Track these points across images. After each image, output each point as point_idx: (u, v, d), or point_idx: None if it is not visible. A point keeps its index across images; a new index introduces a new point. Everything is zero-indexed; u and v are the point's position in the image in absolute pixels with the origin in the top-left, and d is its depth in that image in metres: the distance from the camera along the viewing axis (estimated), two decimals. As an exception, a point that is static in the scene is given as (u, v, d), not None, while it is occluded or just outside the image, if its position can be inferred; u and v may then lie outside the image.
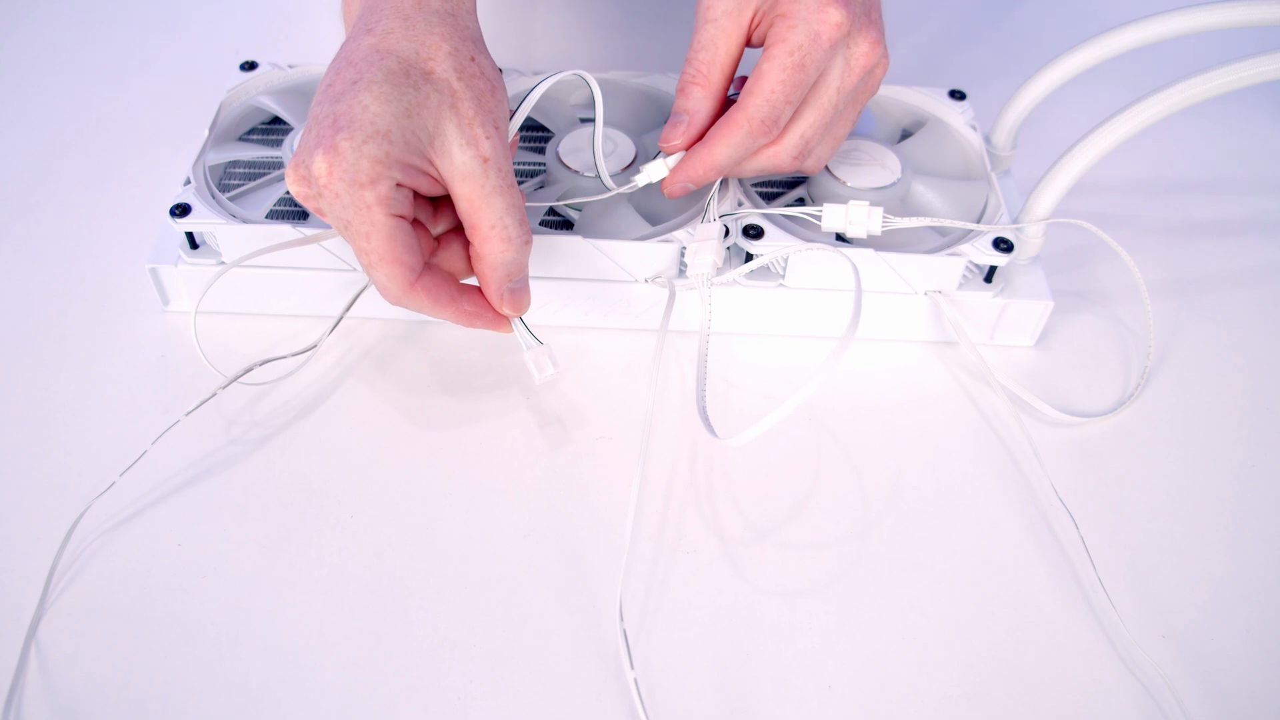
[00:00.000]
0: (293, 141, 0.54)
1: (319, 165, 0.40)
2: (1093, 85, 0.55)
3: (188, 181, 0.53)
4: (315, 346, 0.52)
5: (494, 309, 0.46)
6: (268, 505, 0.48)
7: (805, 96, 0.47)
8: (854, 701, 0.42)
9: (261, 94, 0.58)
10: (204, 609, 0.44)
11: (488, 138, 0.42)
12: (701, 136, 0.48)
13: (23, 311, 0.55)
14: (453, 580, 0.45)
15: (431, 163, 0.42)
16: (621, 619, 0.43)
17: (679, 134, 0.48)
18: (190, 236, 0.53)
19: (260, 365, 0.50)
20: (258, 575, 0.45)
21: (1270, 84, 0.47)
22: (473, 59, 0.43)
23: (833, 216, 0.51)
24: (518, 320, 0.47)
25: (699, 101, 0.48)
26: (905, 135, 0.60)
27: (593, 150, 0.51)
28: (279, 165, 0.56)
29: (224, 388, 0.48)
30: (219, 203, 0.53)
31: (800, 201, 0.57)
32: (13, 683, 0.42)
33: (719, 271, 0.51)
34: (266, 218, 0.52)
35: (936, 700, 0.43)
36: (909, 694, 0.43)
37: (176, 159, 0.59)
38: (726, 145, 0.47)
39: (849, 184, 0.54)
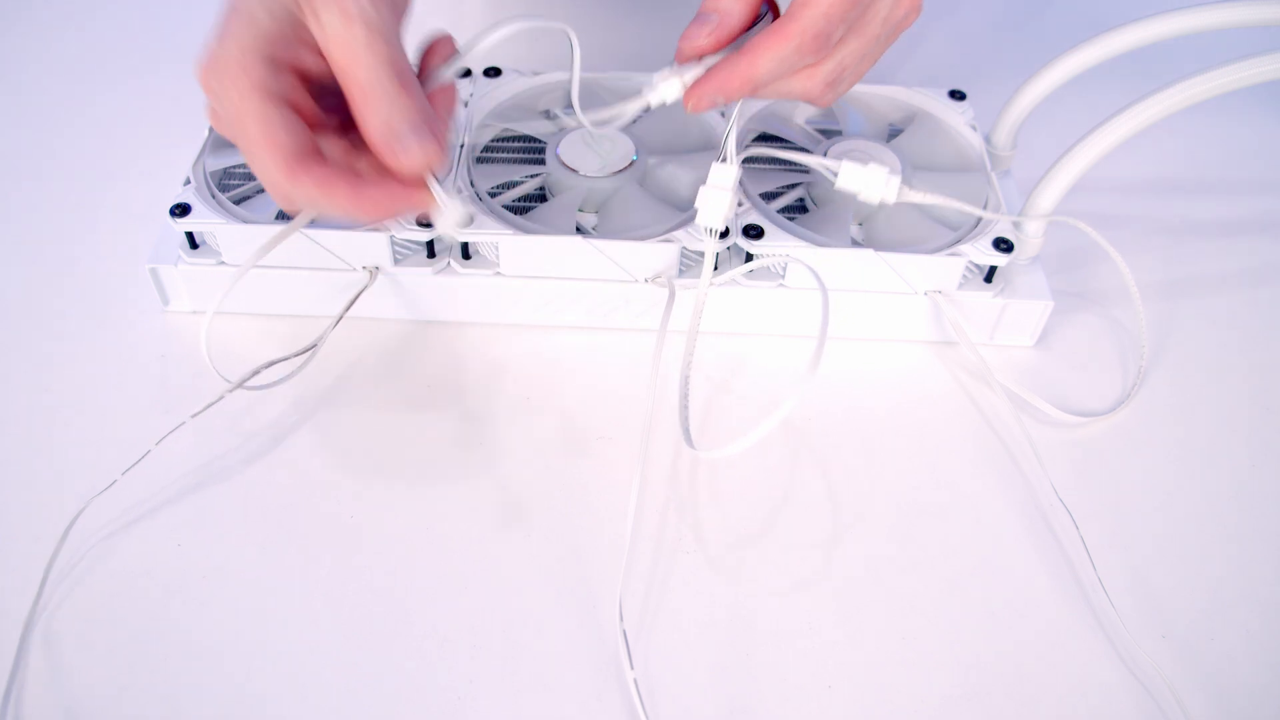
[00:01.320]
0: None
1: (200, 69, 0.39)
2: (1093, 85, 0.55)
3: (188, 181, 0.53)
4: (315, 346, 0.52)
5: (398, 182, 0.41)
6: (268, 505, 0.48)
7: (853, 21, 0.43)
8: (854, 701, 0.42)
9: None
10: (204, 609, 0.44)
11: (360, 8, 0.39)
12: (730, 41, 0.44)
13: (22, 311, 0.55)
14: (453, 580, 0.45)
15: (308, 30, 0.40)
16: (621, 619, 0.43)
17: (705, 34, 0.43)
18: (190, 236, 0.53)
19: (266, 367, 0.50)
20: (258, 576, 0.45)
21: (1270, 84, 0.47)
22: None
23: (850, 175, 0.48)
24: (431, 180, 0.42)
25: (735, 5, 0.43)
26: (893, 133, 0.60)
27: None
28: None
29: (231, 391, 0.48)
30: (219, 203, 0.53)
31: (800, 201, 0.57)
32: (9, 682, 0.42)
33: (724, 232, 0.49)
34: (276, 218, 0.52)
35: (936, 700, 0.43)
36: (909, 694, 0.43)
37: (176, 159, 0.59)
38: (771, 58, 0.43)
39: (849, 184, 0.54)
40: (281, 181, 0.39)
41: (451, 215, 0.43)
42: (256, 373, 0.49)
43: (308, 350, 0.52)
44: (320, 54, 0.40)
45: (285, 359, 0.51)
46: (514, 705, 0.42)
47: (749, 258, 0.52)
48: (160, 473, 0.48)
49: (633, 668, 0.42)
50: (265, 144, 0.39)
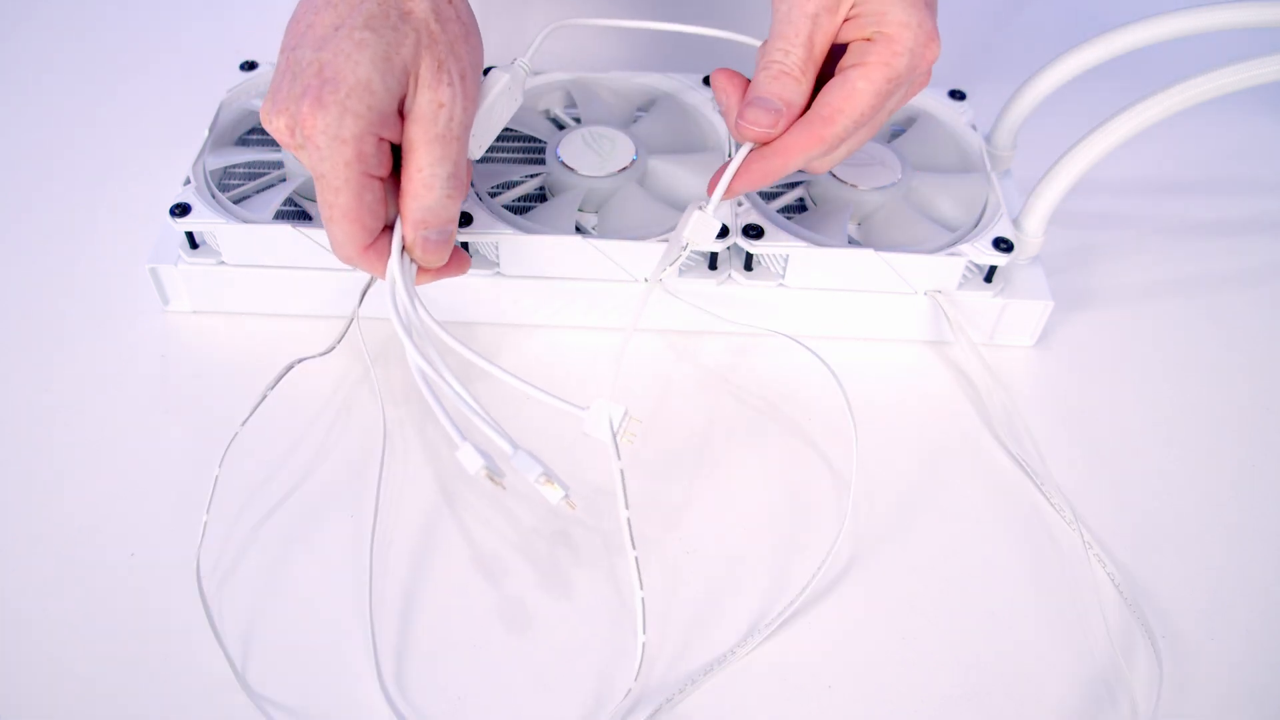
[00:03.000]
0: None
1: (305, 115, 0.41)
2: (1093, 85, 0.55)
3: (188, 181, 0.53)
4: (332, 349, 0.52)
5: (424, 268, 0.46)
6: (267, 505, 0.48)
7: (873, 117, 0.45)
8: (854, 701, 0.42)
9: (258, 96, 0.58)
10: (198, 605, 0.44)
11: (449, 84, 0.42)
12: (788, 129, 0.45)
13: (22, 310, 0.55)
14: (453, 581, 0.45)
15: (403, 103, 0.42)
16: (643, 631, 0.43)
17: (774, 121, 0.44)
18: (190, 236, 0.53)
19: (298, 363, 0.49)
20: (257, 575, 0.45)
21: (1270, 84, 0.47)
22: (450, 1, 0.43)
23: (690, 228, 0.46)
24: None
25: (796, 94, 0.44)
26: (894, 133, 0.60)
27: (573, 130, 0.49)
28: (279, 166, 0.56)
29: (271, 388, 0.48)
30: (219, 202, 0.53)
31: (800, 201, 0.57)
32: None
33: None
34: (275, 218, 0.52)
35: (936, 700, 0.43)
36: (909, 694, 0.43)
37: (177, 159, 0.59)
38: (802, 159, 0.45)
39: (849, 184, 0.54)
40: (354, 255, 0.44)
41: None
42: (291, 368, 0.49)
43: (329, 350, 0.51)
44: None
45: (313, 357, 0.50)
46: (514, 706, 0.42)
47: (748, 259, 0.52)
48: (158, 471, 0.48)
49: (637, 680, 0.42)
50: (352, 220, 0.43)
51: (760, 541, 0.47)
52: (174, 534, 0.46)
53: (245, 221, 0.51)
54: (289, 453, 0.50)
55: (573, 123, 0.59)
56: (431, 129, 0.42)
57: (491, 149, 0.58)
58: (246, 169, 0.57)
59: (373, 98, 0.41)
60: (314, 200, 0.55)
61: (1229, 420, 0.53)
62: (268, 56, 0.60)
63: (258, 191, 0.55)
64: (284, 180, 0.55)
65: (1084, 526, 0.48)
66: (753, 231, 0.52)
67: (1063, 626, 0.45)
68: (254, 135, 0.59)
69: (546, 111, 0.61)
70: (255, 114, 0.59)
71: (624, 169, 0.54)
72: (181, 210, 0.51)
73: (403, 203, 0.44)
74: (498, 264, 0.53)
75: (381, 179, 0.43)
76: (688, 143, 0.58)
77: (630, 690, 0.42)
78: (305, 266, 0.53)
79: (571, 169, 0.54)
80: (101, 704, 0.41)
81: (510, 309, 0.55)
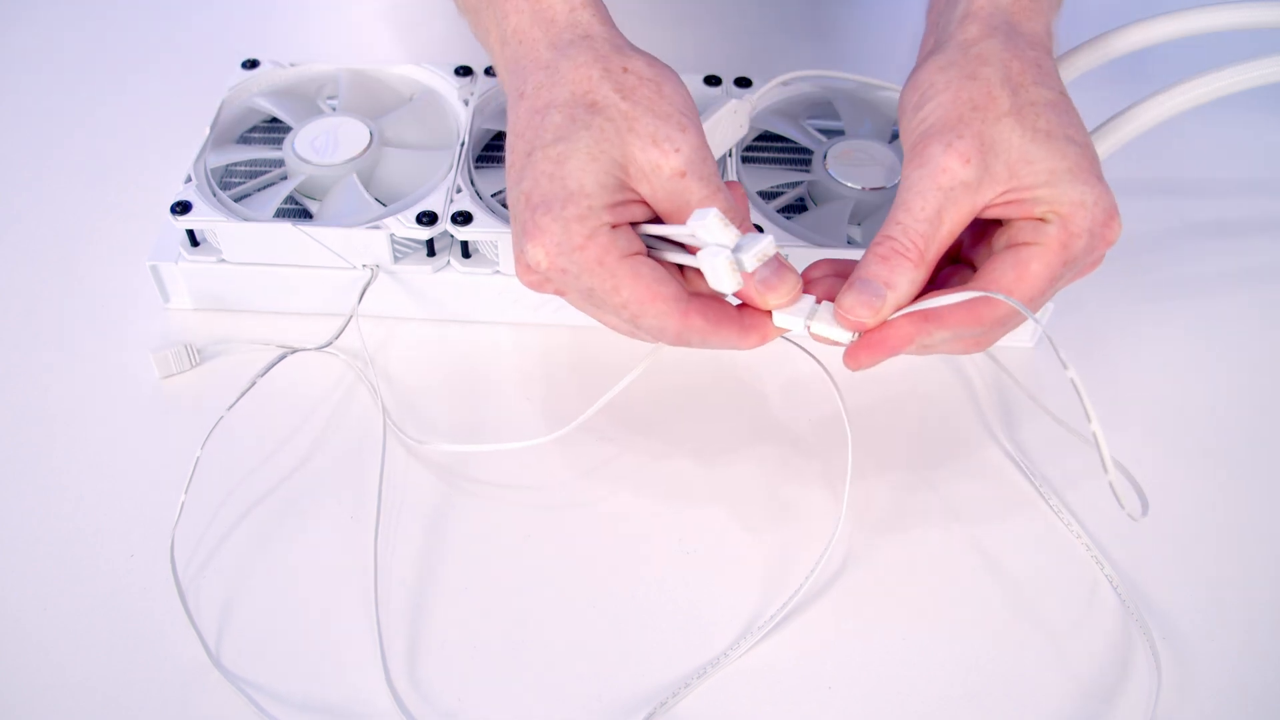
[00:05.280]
0: (293, 141, 0.54)
1: (534, 254, 0.38)
2: (1093, 87, 0.55)
3: (189, 179, 0.53)
4: (329, 344, 0.52)
5: (758, 309, 0.40)
6: (267, 505, 0.48)
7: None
8: (854, 701, 0.42)
9: (258, 95, 0.58)
10: (199, 605, 0.44)
11: (676, 150, 0.39)
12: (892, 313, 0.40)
13: (23, 307, 0.55)
14: (453, 581, 0.45)
15: (635, 190, 0.39)
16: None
17: (870, 312, 0.39)
18: (191, 234, 0.53)
19: (291, 353, 0.49)
20: (256, 575, 0.45)
21: (1271, 85, 0.47)
22: (625, 69, 0.40)
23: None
24: (779, 314, 0.40)
25: (906, 281, 0.39)
26: (895, 133, 0.60)
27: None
28: (279, 165, 0.56)
29: (261, 375, 0.48)
30: (220, 200, 0.53)
31: (800, 201, 0.57)
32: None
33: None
34: (275, 216, 0.52)
35: (936, 700, 0.43)
36: (909, 694, 0.43)
37: (178, 156, 0.59)
38: (952, 332, 0.40)
39: (849, 184, 0.54)
40: (677, 328, 0.39)
41: (826, 328, 0.40)
42: (283, 357, 0.48)
43: (326, 345, 0.51)
44: (646, 204, 0.40)
45: (306, 350, 0.50)
46: (513, 706, 0.42)
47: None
48: (158, 469, 0.48)
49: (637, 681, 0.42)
50: (650, 299, 0.39)
51: (759, 542, 0.47)
52: (173, 532, 0.46)
53: (246, 219, 0.51)
54: (283, 443, 0.50)
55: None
56: (689, 199, 0.39)
57: (492, 148, 0.58)
58: (248, 167, 0.57)
59: (589, 200, 0.38)
60: (314, 198, 0.55)
61: (1228, 420, 0.53)
62: (269, 54, 0.60)
63: (259, 190, 0.55)
64: (285, 179, 0.55)
65: (1082, 528, 0.48)
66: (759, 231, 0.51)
67: (1063, 626, 0.45)
68: (255, 133, 0.59)
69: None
70: (256, 112, 0.59)
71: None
72: (182, 208, 0.51)
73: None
74: (497, 264, 0.53)
75: (641, 252, 0.39)
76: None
77: (630, 691, 0.42)
78: (305, 264, 0.53)
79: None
80: (102, 705, 0.42)
81: (510, 308, 0.55)
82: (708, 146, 0.40)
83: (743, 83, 0.60)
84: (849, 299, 0.39)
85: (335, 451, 0.50)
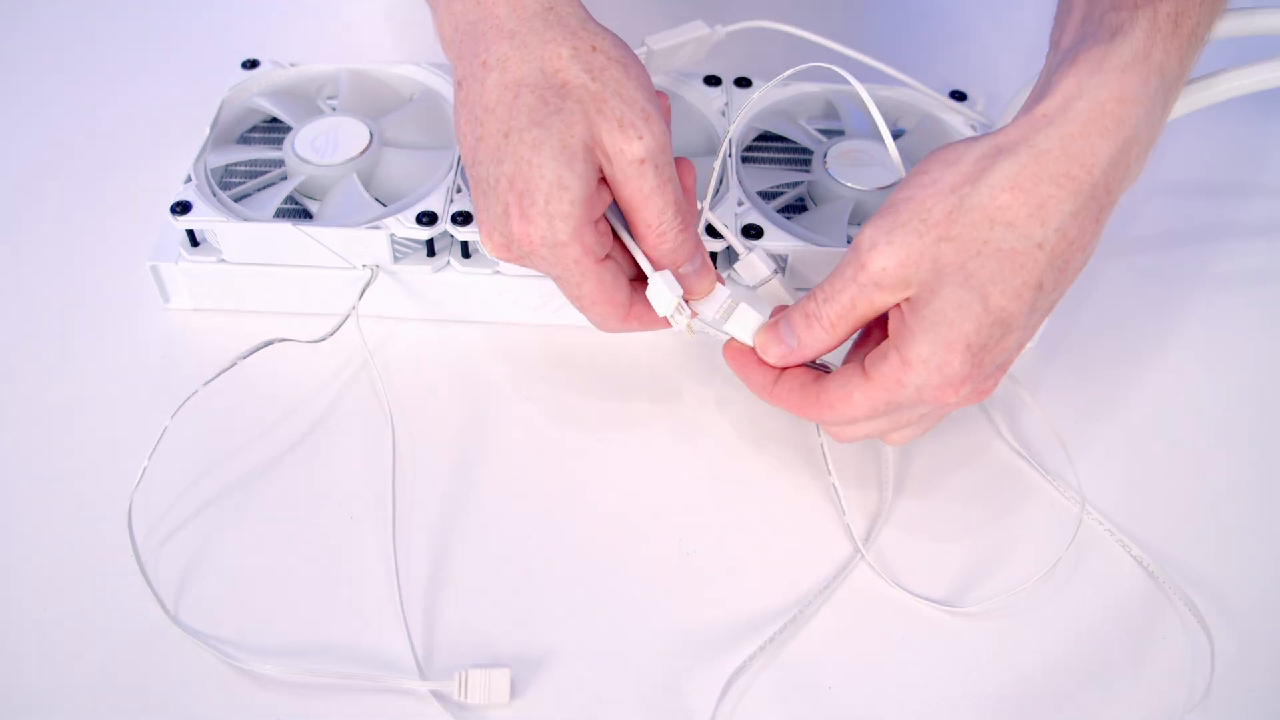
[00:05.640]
0: (293, 141, 0.54)
1: (518, 233, 0.41)
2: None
3: (188, 179, 0.53)
4: (325, 338, 0.52)
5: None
6: (267, 505, 0.48)
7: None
8: (854, 701, 0.42)
9: (258, 95, 0.58)
10: (200, 607, 0.44)
11: (640, 138, 0.40)
12: (798, 366, 0.44)
13: (23, 307, 0.55)
14: (453, 580, 0.45)
15: (601, 170, 0.42)
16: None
17: (777, 356, 0.44)
18: (191, 234, 0.53)
19: (279, 342, 0.49)
20: (255, 575, 0.45)
21: (1272, 88, 0.47)
22: (594, 48, 0.42)
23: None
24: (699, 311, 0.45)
25: (817, 341, 0.42)
26: (895, 134, 0.60)
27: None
28: (279, 164, 0.56)
29: (243, 357, 0.47)
30: (220, 200, 0.53)
31: (800, 201, 0.57)
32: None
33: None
34: (275, 216, 0.52)
35: (936, 700, 0.43)
36: (909, 694, 0.43)
37: (178, 156, 0.59)
38: (789, 408, 0.44)
39: (849, 184, 0.54)
40: (616, 327, 0.45)
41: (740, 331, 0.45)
42: (269, 344, 0.48)
43: (321, 339, 0.51)
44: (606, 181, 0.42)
45: (297, 340, 0.50)
46: (514, 706, 0.42)
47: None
48: (158, 468, 0.48)
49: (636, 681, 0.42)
50: (603, 301, 0.43)
51: (760, 543, 0.47)
52: (174, 532, 0.46)
53: (246, 219, 0.51)
54: (270, 428, 0.50)
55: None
56: (644, 185, 0.41)
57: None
58: (248, 167, 0.57)
59: (570, 193, 0.40)
60: (314, 198, 0.55)
61: (1229, 420, 0.53)
62: (269, 54, 0.60)
63: (259, 189, 0.55)
64: (285, 179, 0.55)
65: (1084, 525, 0.48)
66: (752, 231, 0.52)
67: (1063, 626, 0.45)
68: (255, 133, 0.59)
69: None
70: (256, 112, 0.59)
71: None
72: (182, 208, 0.51)
73: (648, 254, 0.43)
74: (497, 264, 0.53)
75: (610, 255, 0.43)
76: (693, 147, 0.58)
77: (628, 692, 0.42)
78: (305, 264, 0.53)
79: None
80: (103, 704, 0.41)
81: (509, 308, 0.55)
82: (668, 134, 0.42)
83: (743, 83, 0.60)
84: (766, 340, 0.44)
85: (330, 447, 0.50)
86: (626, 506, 0.48)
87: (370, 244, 0.52)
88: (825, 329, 0.42)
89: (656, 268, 0.44)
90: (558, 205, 0.40)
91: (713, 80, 0.60)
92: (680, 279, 0.44)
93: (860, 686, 0.43)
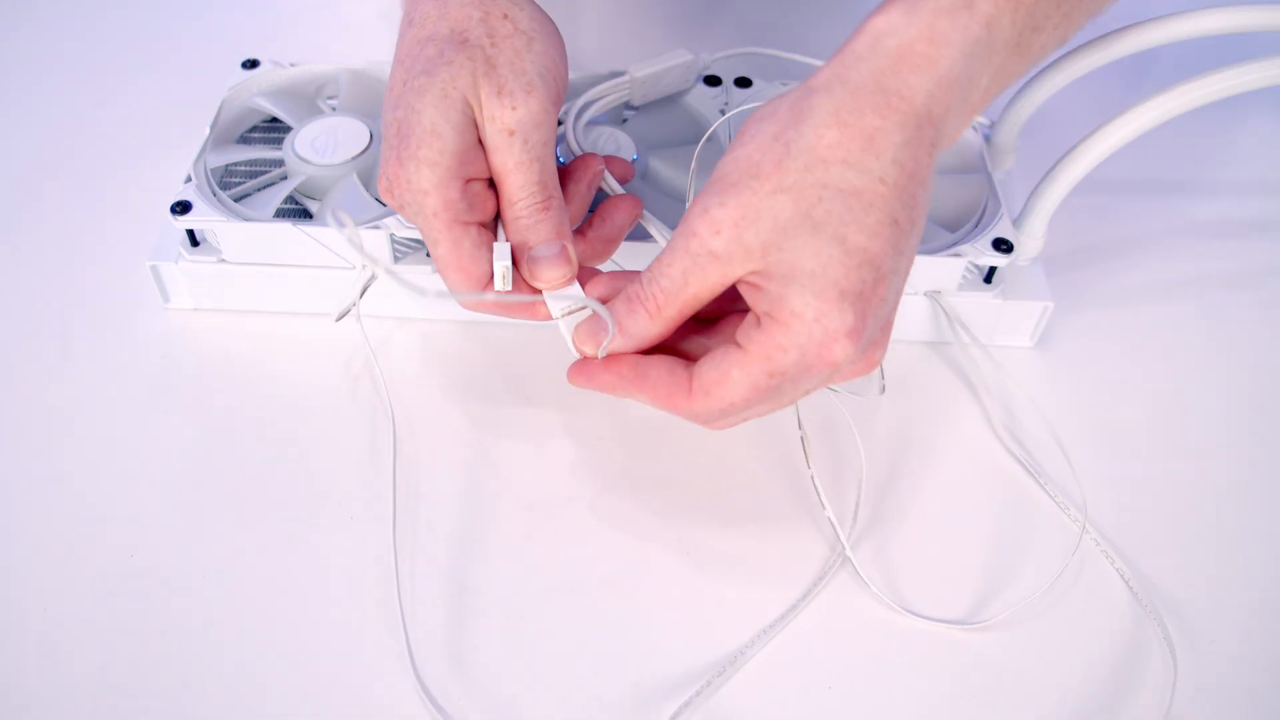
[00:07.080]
0: (293, 141, 0.54)
1: (392, 176, 0.41)
2: (1095, 86, 0.55)
3: (188, 179, 0.53)
4: (344, 314, 0.52)
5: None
6: (266, 504, 0.48)
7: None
8: (854, 701, 0.42)
9: (258, 94, 0.58)
10: (199, 605, 0.44)
11: (513, 108, 0.41)
12: (621, 361, 0.41)
13: (23, 307, 0.55)
14: (453, 581, 0.45)
15: (479, 132, 0.42)
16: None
17: (594, 345, 0.41)
18: (191, 234, 0.53)
19: (280, 338, 0.48)
20: (255, 574, 0.45)
21: (1272, 86, 0.47)
22: (505, 16, 0.42)
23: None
24: (549, 296, 0.43)
25: (641, 328, 0.39)
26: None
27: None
28: (279, 164, 0.56)
29: (240, 352, 0.48)
30: (220, 200, 0.53)
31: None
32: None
33: None
34: (276, 216, 0.52)
35: (936, 700, 0.43)
36: (909, 694, 0.43)
37: (178, 156, 0.59)
38: (648, 399, 0.40)
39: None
40: (472, 303, 0.44)
41: (567, 332, 0.43)
42: (267, 338, 0.49)
43: (319, 337, 0.51)
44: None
45: (295, 338, 0.50)
46: (513, 707, 0.42)
47: None
48: (158, 468, 0.48)
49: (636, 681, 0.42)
50: (455, 268, 0.42)
51: (760, 541, 0.47)
52: (174, 532, 0.46)
53: (246, 219, 0.51)
54: (267, 427, 0.50)
55: None
56: (509, 158, 0.41)
57: None
58: (248, 167, 0.57)
59: (442, 142, 0.40)
60: (314, 198, 0.55)
61: (1229, 421, 0.53)
62: (269, 54, 0.60)
63: (259, 189, 0.55)
64: (285, 178, 0.55)
65: (1087, 523, 0.48)
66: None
67: (1063, 626, 0.45)
68: (255, 133, 0.59)
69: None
70: (257, 112, 0.59)
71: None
72: (182, 208, 0.51)
73: (505, 228, 0.43)
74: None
75: (480, 223, 0.42)
76: (687, 139, 0.58)
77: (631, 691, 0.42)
78: (306, 264, 0.53)
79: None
80: (103, 704, 0.42)
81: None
82: (551, 116, 0.42)
83: (743, 83, 0.60)
84: (584, 333, 0.41)
85: (330, 447, 0.50)
86: (627, 506, 0.48)
87: (370, 244, 0.51)
88: (650, 312, 0.39)
89: (510, 242, 0.42)
90: (427, 151, 0.40)
91: (713, 80, 0.60)
92: (531, 262, 0.42)
93: (860, 686, 0.43)
